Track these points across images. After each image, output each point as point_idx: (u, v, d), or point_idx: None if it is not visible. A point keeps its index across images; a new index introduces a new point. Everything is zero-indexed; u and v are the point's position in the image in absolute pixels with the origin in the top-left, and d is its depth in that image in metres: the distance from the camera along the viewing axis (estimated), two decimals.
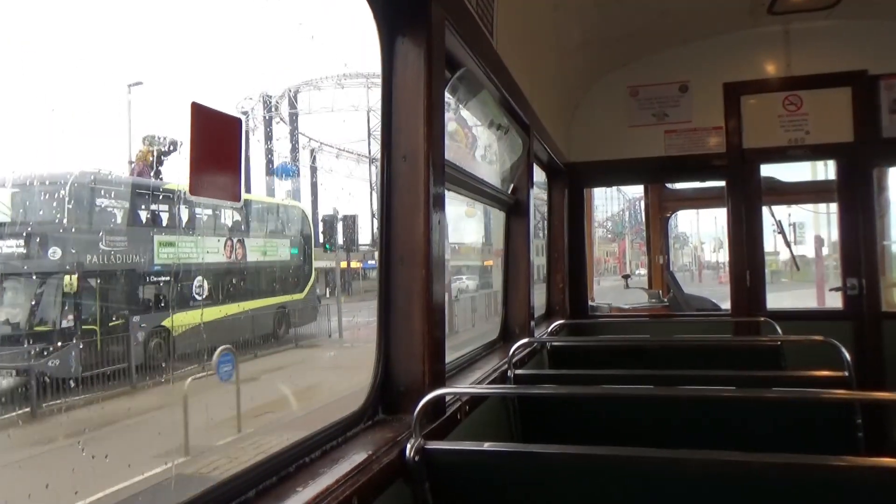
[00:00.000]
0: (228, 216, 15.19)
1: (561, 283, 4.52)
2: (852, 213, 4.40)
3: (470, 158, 3.12)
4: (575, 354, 3.50)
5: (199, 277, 13.42)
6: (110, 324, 10.67)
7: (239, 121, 1.32)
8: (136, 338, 10.98)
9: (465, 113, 2.98)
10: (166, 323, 12.08)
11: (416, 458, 1.67)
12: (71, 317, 10.02)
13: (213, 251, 14.14)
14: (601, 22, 3.93)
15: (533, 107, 3.40)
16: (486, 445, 1.74)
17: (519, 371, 2.76)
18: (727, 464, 1.51)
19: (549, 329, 3.77)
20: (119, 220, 11.53)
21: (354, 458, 1.59)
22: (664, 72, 4.72)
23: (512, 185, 3.50)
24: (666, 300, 5.58)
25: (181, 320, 12.19)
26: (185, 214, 13.70)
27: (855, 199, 4.38)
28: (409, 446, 1.68)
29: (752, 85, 4.59)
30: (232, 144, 1.30)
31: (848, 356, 2.25)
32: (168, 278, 12.62)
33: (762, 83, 4.59)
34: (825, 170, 6.23)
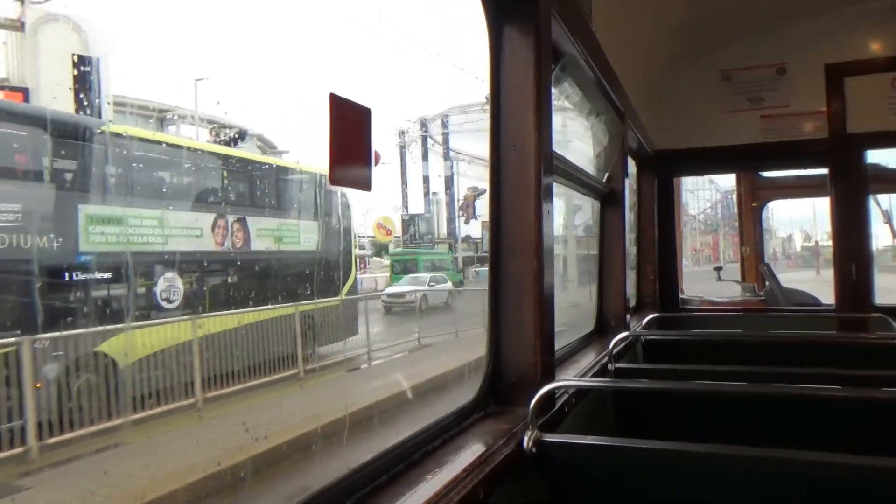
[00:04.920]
0: (215, 180, 10.59)
1: (652, 274, 4.41)
2: None
3: (565, 146, 3.08)
4: (670, 348, 3.41)
5: (170, 274, 9.18)
6: None
7: (369, 110, 1.33)
8: (41, 374, 6.39)
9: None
10: (104, 347, 7.40)
11: (534, 450, 1.67)
12: None
13: (192, 233, 9.68)
14: (697, 1, 3.78)
15: (627, 92, 3.31)
16: (597, 439, 1.75)
17: (619, 364, 2.72)
18: (831, 465, 1.45)
19: (644, 322, 3.69)
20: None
21: (475, 448, 1.60)
22: (760, 54, 4.49)
23: (606, 175, 3.43)
24: (762, 293, 5.35)
25: (134, 342, 7.74)
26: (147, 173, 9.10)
27: None
28: (526, 438, 1.68)
29: (856, 65, 4.31)
30: (364, 133, 1.32)
31: None
32: (106, 275, 7.94)
33: (868, 63, 4.31)
34: None
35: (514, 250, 1.92)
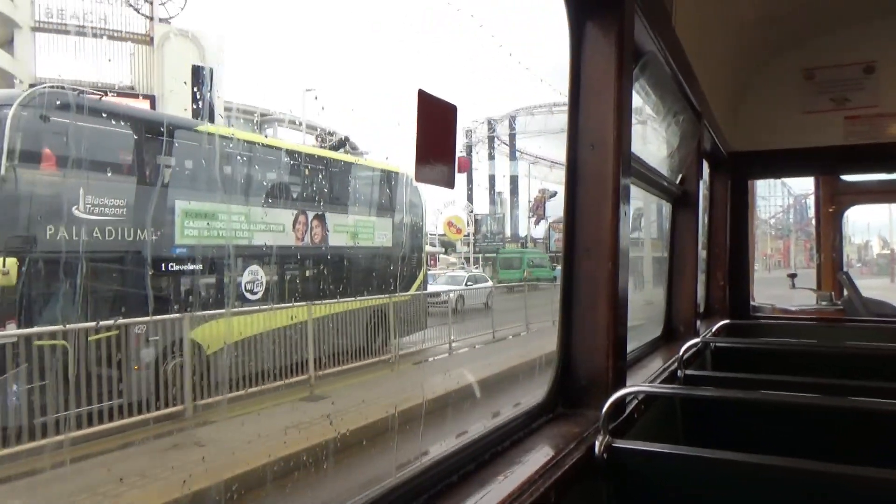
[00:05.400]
0: (296, 179, 11.18)
1: (722, 280, 4.26)
2: None
3: (639, 146, 3.00)
4: (740, 356, 3.29)
5: (254, 267, 9.95)
6: (91, 337, 6.81)
7: (455, 107, 1.33)
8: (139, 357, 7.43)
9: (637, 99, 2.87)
10: (196, 335, 8.23)
11: (605, 456, 1.65)
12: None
13: (275, 229, 10.30)
14: None
15: (704, 91, 3.21)
16: (668, 447, 1.72)
17: (689, 371, 2.64)
18: None
19: (713, 329, 3.57)
20: (109, 170, 7.96)
21: (545, 451, 1.58)
22: (846, 51, 4.27)
23: (680, 176, 3.33)
24: (839, 303, 5.09)
25: (217, 332, 8.51)
26: (231, 170, 9.76)
27: None
28: (597, 443, 1.66)
29: None
30: (449, 131, 1.31)
31: None
32: (198, 266, 8.94)
33: None
34: None
35: (588, 251, 1.89)
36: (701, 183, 3.44)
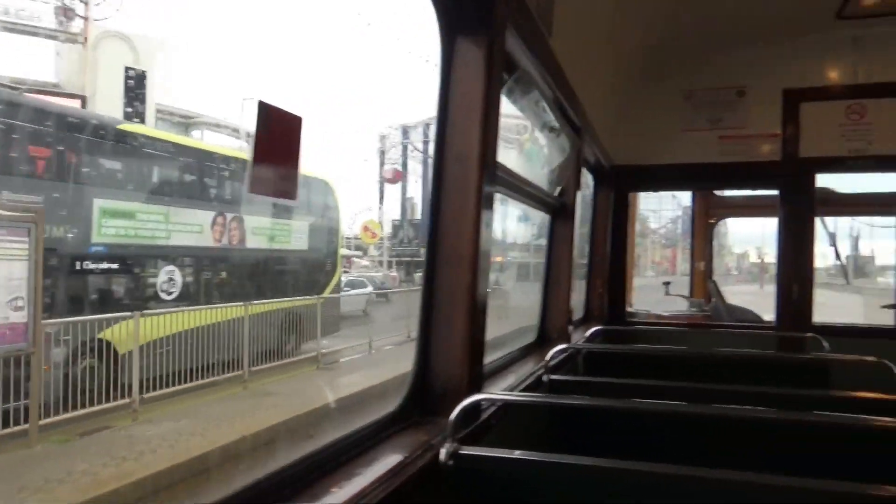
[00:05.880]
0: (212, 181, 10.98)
1: (600, 287, 4.46)
2: None
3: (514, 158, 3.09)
4: (611, 361, 3.44)
5: (170, 267, 9.84)
6: None
7: (300, 118, 1.31)
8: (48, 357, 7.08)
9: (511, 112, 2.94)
10: (106, 335, 8.02)
11: (451, 463, 1.66)
12: None
13: (194, 230, 10.28)
14: (661, 24, 3.82)
15: (584, 108, 3.34)
16: (519, 454, 1.71)
17: (554, 377, 2.73)
18: (761, 486, 1.46)
19: (587, 335, 3.73)
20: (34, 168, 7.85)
21: (390, 459, 1.58)
22: (721, 76, 4.57)
23: (559, 188, 3.46)
24: (707, 309, 5.47)
25: (131, 332, 8.09)
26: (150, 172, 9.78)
27: None
28: (443, 451, 1.66)
29: (813, 92, 4.42)
30: (294, 142, 1.29)
31: None
32: (115, 266, 8.78)
33: (824, 90, 4.42)
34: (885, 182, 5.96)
35: (450, 260, 1.91)
36: (580, 196, 3.57)
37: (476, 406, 1.89)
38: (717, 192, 5.97)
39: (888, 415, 2.06)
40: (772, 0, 3.96)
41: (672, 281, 6.32)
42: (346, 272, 19.54)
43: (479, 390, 1.97)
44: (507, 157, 2.44)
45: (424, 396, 1.91)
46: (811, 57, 4.42)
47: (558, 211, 3.47)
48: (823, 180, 5.04)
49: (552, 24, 2.53)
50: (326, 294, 13.49)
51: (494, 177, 2.04)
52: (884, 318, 4.63)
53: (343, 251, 17.13)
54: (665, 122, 4.65)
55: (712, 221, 6.05)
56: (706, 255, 5.95)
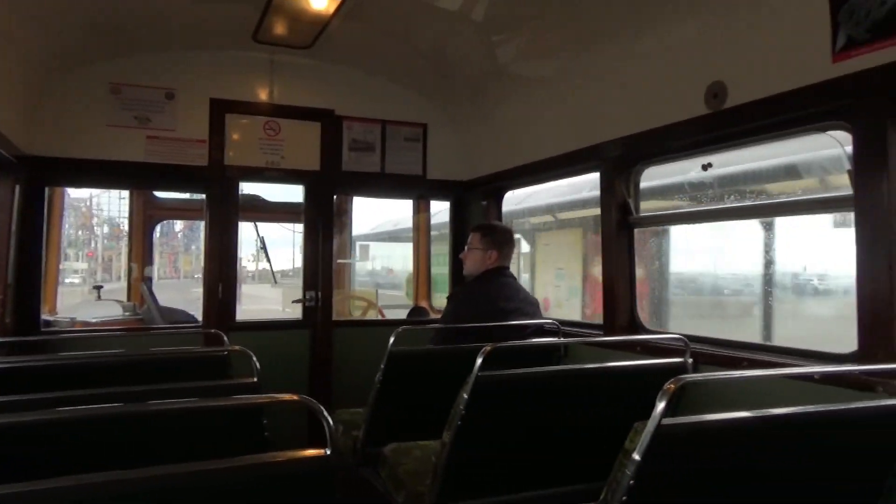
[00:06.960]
0: None
1: (1, 294, 3.82)
2: (314, 233, 4.98)
3: None
4: (25, 378, 2.97)
5: None
6: None
7: None
8: None
9: None
10: None
11: None
12: None
13: None
14: (89, 3, 3.51)
15: None
16: None
17: None
18: (150, 480, 1.42)
19: None
20: None
21: None
22: (152, 75, 4.52)
23: None
24: (140, 313, 5.34)
25: None
26: None
27: (317, 220, 4.98)
28: None
29: (238, 105, 4.77)
30: None
31: (257, 364, 2.45)
32: None
33: (248, 105, 4.81)
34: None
35: None
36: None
37: None
38: (158, 194, 5.92)
39: (249, 393, 2.31)
40: (190, 11, 4.10)
41: (105, 285, 5.95)
42: None
43: None
44: None
45: None
46: (235, 72, 4.77)
47: None
48: (255, 188, 5.54)
49: None
50: None
51: None
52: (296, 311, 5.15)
53: None
54: (91, 115, 4.33)
55: (146, 222, 5.94)
56: (144, 258, 5.82)
